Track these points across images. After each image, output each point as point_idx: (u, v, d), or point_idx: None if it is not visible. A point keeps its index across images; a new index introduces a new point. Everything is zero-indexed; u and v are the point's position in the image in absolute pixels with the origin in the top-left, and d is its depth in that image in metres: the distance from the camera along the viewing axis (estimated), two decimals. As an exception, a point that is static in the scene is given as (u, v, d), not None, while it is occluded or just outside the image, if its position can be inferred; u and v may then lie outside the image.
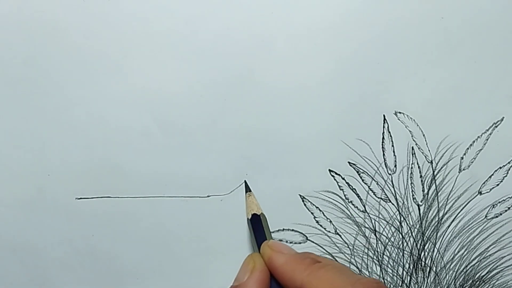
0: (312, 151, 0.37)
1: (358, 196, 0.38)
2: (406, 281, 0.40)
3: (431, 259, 0.40)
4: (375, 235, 0.39)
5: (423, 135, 0.38)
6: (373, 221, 0.39)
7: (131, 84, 0.35)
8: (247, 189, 0.37)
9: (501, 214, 0.40)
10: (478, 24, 0.37)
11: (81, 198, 0.36)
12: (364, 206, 0.39)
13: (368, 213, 0.39)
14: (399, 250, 0.40)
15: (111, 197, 0.36)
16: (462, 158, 0.39)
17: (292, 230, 0.38)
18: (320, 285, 0.26)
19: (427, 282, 0.41)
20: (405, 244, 0.40)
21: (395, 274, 0.40)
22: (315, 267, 0.27)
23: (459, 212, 0.39)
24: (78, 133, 0.35)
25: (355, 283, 0.25)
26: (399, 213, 0.39)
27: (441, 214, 0.39)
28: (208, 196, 0.37)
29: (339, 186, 0.38)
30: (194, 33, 0.34)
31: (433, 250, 0.40)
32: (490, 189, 0.39)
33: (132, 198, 0.36)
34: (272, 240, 0.32)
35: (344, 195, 0.38)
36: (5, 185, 0.36)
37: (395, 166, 0.38)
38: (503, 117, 0.38)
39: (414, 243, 0.40)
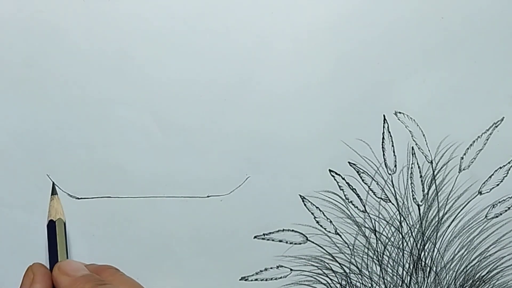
0: (312, 151, 0.37)
1: (358, 196, 0.38)
2: (406, 281, 0.40)
3: (431, 259, 0.40)
4: (375, 235, 0.39)
5: (423, 135, 0.38)
6: (373, 221, 0.39)
7: (131, 84, 0.35)
8: (53, 192, 0.35)
9: (501, 214, 0.40)
10: (478, 24, 0.37)
11: (81, 198, 0.36)
12: (364, 206, 0.39)
13: (368, 213, 0.39)
14: (399, 250, 0.40)
15: (111, 197, 0.36)
16: (462, 158, 0.39)
17: (292, 230, 0.38)
18: None
19: (427, 282, 0.41)
20: (405, 244, 0.40)
21: (395, 274, 0.40)
22: None
23: (459, 212, 0.39)
24: (78, 133, 0.35)
25: None
26: (399, 213, 0.39)
27: (441, 214, 0.39)
28: (208, 196, 0.37)
29: (339, 186, 0.38)
30: (194, 33, 0.34)
31: (433, 250, 0.40)
32: (490, 189, 0.39)
33: (132, 198, 0.36)
34: (65, 261, 0.31)
35: (344, 195, 0.38)
36: (5, 185, 0.36)
37: (395, 166, 0.38)
38: (503, 117, 0.38)
39: (414, 243, 0.40)
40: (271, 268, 0.39)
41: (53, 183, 0.35)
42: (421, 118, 0.38)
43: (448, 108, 0.38)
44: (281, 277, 0.39)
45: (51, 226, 0.33)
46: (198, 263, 0.38)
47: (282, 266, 0.39)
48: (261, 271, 0.39)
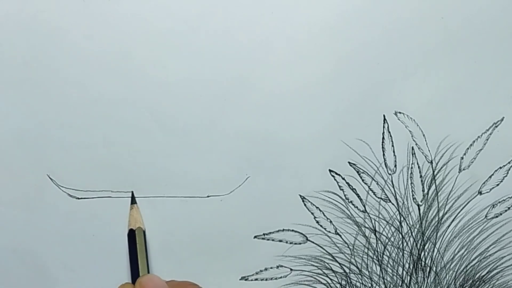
0: (312, 151, 0.37)
1: (358, 196, 0.38)
2: (406, 281, 0.40)
3: (431, 259, 0.40)
4: (375, 235, 0.39)
5: (423, 135, 0.38)
6: (373, 221, 0.39)
7: (131, 84, 0.35)
8: (133, 201, 0.36)
9: (501, 214, 0.40)
10: (478, 24, 0.37)
11: (81, 198, 0.36)
12: (364, 206, 0.39)
13: (368, 213, 0.39)
14: (399, 250, 0.40)
15: (111, 197, 0.36)
16: (462, 158, 0.39)
17: (292, 230, 0.38)
18: None
19: (427, 282, 0.41)
20: (405, 244, 0.40)
21: (395, 274, 0.40)
22: None
23: (459, 212, 0.39)
24: (78, 132, 0.35)
25: None
26: (399, 213, 0.39)
27: (441, 214, 0.39)
28: (208, 196, 0.37)
29: (339, 186, 0.38)
30: (194, 33, 0.34)
31: (433, 250, 0.40)
32: (490, 189, 0.39)
33: (132, 198, 0.36)
34: (147, 276, 0.32)
35: (344, 195, 0.38)
36: (5, 185, 0.36)
37: (395, 166, 0.38)
38: (503, 117, 0.38)
39: (414, 243, 0.40)
40: (271, 268, 0.39)
41: (132, 193, 0.36)
42: (421, 118, 0.38)
43: (448, 108, 0.38)
44: (281, 277, 0.39)
45: (131, 235, 0.34)
46: (198, 263, 0.38)
47: (282, 266, 0.39)
48: (261, 271, 0.39)
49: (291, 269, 0.39)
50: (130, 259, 0.33)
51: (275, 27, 0.35)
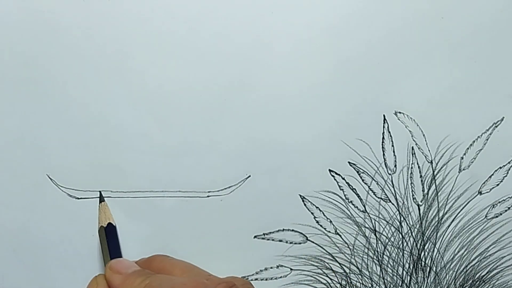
0: (312, 151, 0.37)
1: (358, 196, 0.38)
2: (406, 281, 0.40)
3: (431, 259, 0.40)
4: (375, 235, 0.39)
5: (423, 135, 0.38)
6: (373, 221, 0.39)
7: (131, 84, 0.35)
8: (101, 199, 0.36)
9: (501, 214, 0.40)
10: (478, 24, 0.37)
11: (81, 198, 0.36)
12: (364, 206, 0.39)
13: (368, 213, 0.39)
14: (399, 250, 0.40)
15: (111, 197, 0.36)
16: (462, 158, 0.39)
17: (292, 230, 0.38)
18: None
19: (427, 282, 0.41)
20: (405, 244, 0.40)
21: (395, 274, 0.40)
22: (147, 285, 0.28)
23: (459, 212, 0.39)
24: (78, 133, 0.35)
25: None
26: (399, 213, 0.39)
27: (441, 214, 0.39)
28: (208, 196, 0.37)
29: (339, 186, 0.38)
30: (194, 33, 0.34)
31: (433, 250, 0.40)
32: (490, 189, 0.39)
33: (132, 198, 0.36)
34: (115, 260, 0.32)
35: (344, 195, 0.38)
36: (5, 184, 0.36)
37: (395, 166, 0.38)
38: (503, 117, 0.38)
39: (414, 243, 0.40)
40: (271, 267, 0.39)
41: (100, 192, 0.36)
42: (421, 118, 0.38)
43: (448, 108, 0.38)
44: (281, 277, 0.39)
45: (102, 232, 0.34)
46: (198, 263, 0.38)
47: (282, 266, 0.39)
48: (261, 270, 0.39)
49: (291, 269, 0.39)
50: (103, 256, 0.33)
51: (275, 27, 0.35)
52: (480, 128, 0.38)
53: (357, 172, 0.38)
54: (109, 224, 0.34)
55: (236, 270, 0.38)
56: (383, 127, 0.37)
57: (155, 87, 0.35)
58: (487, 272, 0.41)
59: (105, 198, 0.36)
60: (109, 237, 0.33)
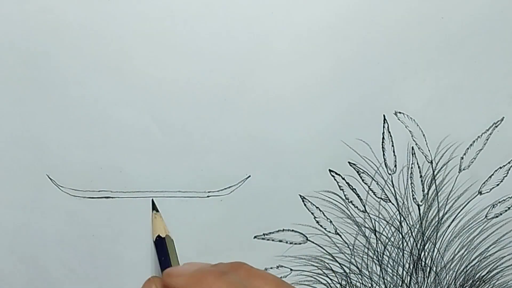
0: (312, 151, 0.37)
1: (358, 196, 0.38)
2: (406, 281, 0.40)
3: (431, 259, 0.40)
4: (375, 235, 0.39)
5: (423, 135, 0.38)
6: (373, 221, 0.39)
7: (131, 84, 0.35)
8: (154, 208, 0.35)
9: (501, 214, 0.40)
10: (478, 24, 0.37)
11: (81, 198, 0.36)
12: (364, 206, 0.39)
13: (368, 213, 0.39)
14: (399, 250, 0.40)
15: (111, 197, 0.36)
16: (462, 158, 0.39)
17: (292, 230, 0.38)
18: None
19: (427, 282, 0.41)
20: (405, 244, 0.40)
21: (395, 274, 0.40)
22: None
23: (459, 212, 0.39)
24: (78, 133, 0.35)
25: None
26: (399, 213, 0.39)
27: (441, 214, 0.39)
28: (208, 196, 0.37)
29: (339, 186, 0.38)
30: (194, 33, 0.34)
31: (433, 250, 0.40)
32: (490, 189, 0.39)
33: (132, 198, 0.36)
34: (171, 267, 0.29)
35: (344, 195, 0.38)
36: (4, 185, 0.36)
37: (395, 166, 0.38)
38: (503, 117, 0.38)
39: (414, 243, 0.40)
40: (271, 268, 0.39)
41: (152, 200, 0.35)
42: (421, 118, 0.38)
43: (448, 108, 0.38)
44: (281, 277, 0.39)
45: (161, 242, 0.32)
46: (198, 263, 0.38)
47: (282, 266, 0.39)
48: (261, 271, 0.39)
49: (291, 269, 0.39)
50: (160, 266, 0.31)
51: (275, 27, 0.35)
52: (480, 128, 0.38)
53: (357, 172, 0.38)
54: (166, 235, 0.33)
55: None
56: (383, 127, 0.37)
57: (155, 87, 0.35)
58: (487, 272, 0.41)
59: (105, 198, 0.36)
60: (167, 248, 0.32)
